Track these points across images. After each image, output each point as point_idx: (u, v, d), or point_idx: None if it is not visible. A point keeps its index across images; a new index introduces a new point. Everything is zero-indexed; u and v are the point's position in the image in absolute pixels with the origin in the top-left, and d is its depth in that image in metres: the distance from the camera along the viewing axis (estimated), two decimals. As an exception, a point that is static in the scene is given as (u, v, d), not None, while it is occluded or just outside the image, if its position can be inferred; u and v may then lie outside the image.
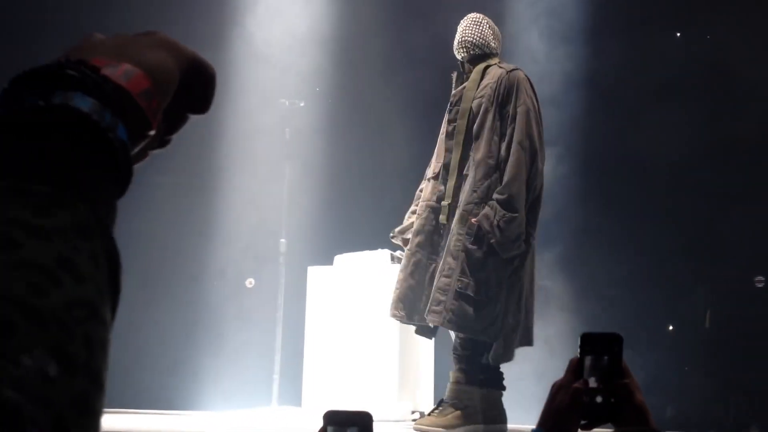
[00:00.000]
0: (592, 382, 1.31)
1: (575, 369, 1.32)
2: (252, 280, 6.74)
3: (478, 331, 4.26)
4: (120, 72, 0.60)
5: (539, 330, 4.61)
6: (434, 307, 4.23)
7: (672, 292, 8.44)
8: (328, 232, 6.46)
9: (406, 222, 4.64)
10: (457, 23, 4.64)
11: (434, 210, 4.43)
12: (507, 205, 4.19)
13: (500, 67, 4.44)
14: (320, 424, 1.20)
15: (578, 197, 7.15)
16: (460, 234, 4.25)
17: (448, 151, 4.46)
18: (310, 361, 5.53)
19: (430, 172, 4.53)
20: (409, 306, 4.41)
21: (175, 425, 4.95)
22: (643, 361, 6.64)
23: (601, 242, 7.15)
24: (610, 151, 7.48)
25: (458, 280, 4.18)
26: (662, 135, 7.61)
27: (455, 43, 4.53)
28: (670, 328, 9.19)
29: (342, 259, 5.66)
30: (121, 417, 5.07)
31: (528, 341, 4.39)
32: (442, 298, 4.21)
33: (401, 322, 4.59)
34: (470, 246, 4.21)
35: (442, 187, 4.42)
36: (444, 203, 4.37)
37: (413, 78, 6.47)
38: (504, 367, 4.44)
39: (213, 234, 6.72)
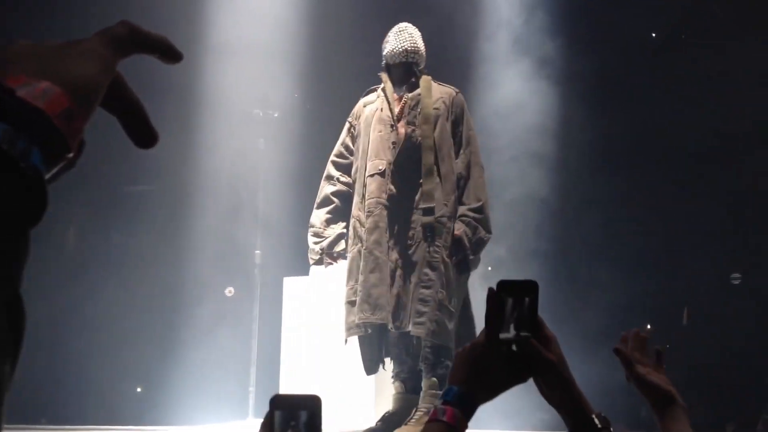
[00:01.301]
0: (510, 333, 1.30)
1: (493, 318, 1.30)
2: (231, 288, 6.68)
3: (451, 341, 4.31)
4: (38, 91, 0.59)
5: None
6: (417, 319, 4.24)
7: (649, 290, 8.46)
8: (304, 242, 6.38)
9: (330, 235, 4.55)
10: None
11: (387, 207, 4.37)
12: (485, 225, 4.36)
13: (443, 85, 4.55)
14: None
15: (556, 194, 7.12)
16: (437, 246, 4.27)
17: (402, 152, 4.39)
18: (287, 374, 5.46)
19: (368, 170, 4.41)
20: (373, 305, 4.33)
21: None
22: (618, 361, 6.59)
23: (576, 241, 7.12)
24: (586, 147, 7.46)
25: (439, 291, 4.23)
26: (639, 133, 7.61)
27: (410, 48, 4.51)
28: (648, 327, 9.22)
29: (318, 270, 5.58)
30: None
31: None
32: (425, 309, 4.23)
33: (368, 323, 4.41)
34: (447, 259, 4.28)
35: (392, 187, 4.36)
36: (426, 205, 4.33)
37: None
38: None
39: (187, 246, 6.64)
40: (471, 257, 4.32)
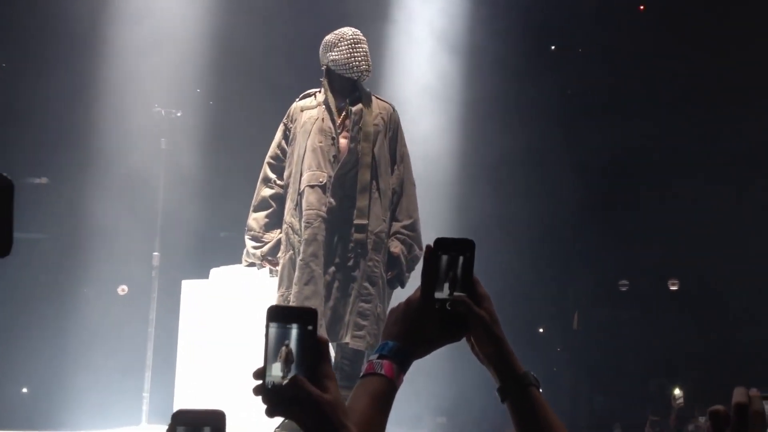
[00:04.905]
0: (444, 291, 1.32)
1: (429, 276, 1.32)
2: (125, 287, 6.53)
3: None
4: None
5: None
6: (357, 332, 4.30)
7: (542, 295, 8.70)
8: (204, 244, 6.30)
9: (270, 240, 4.52)
10: (344, 26, 4.54)
11: (325, 220, 4.36)
12: (418, 242, 4.45)
13: (380, 99, 4.56)
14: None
15: (449, 201, 7.23)
16: (377, 261, 4.34)
17: (344, 165, 4.39)
18: (183, 379, 5.37)
19: (307, 180, 4.39)
20: None
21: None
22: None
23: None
24: (476, 157, 7.60)
25: (378, 306, 4.33)
26: (527, 144, 7.80)
27: (365, 68, 4.44)
28: (540, 330, 9.47)
29: (218, 273, 5.51)
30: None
31: None
32: (364, 323, 4.30)
33: None
34: (385, 274, 4.38)
35: (332, 200, 4.36)
36: (359, 221, 4.35)
37: (297, 81, 6.34)
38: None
39: (83, 245, 6.45)
40: (405, 275, 4.42)
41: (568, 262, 8.76)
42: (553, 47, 8.53)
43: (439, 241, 1.32)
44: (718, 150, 7.88)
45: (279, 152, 4.54)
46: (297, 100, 4.59)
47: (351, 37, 4.45)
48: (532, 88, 7.64)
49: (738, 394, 1.08)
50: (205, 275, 5.54)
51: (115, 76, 6.38)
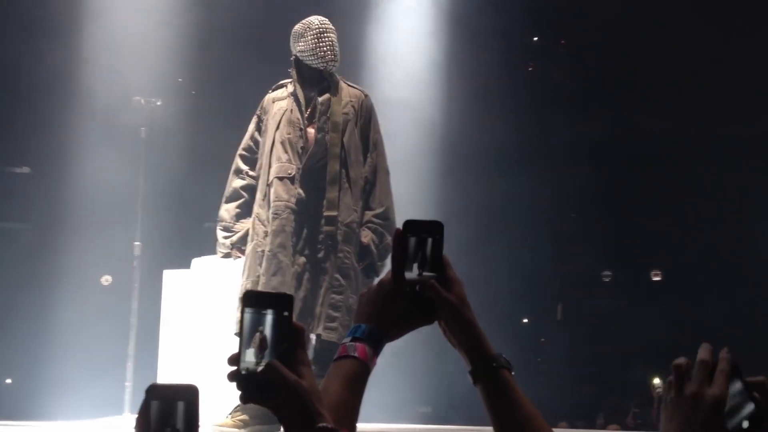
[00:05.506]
0: (414, 273, 1.32)
1: (398, 258, 1.32)
2: (108, 277, 6.53)
3: None
4: None
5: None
6: (329, 324, 4.31)
7: (526, 286, 8.73)
8: (186, 233, 6.30)
9: (240, 230, 4.53)
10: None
11: (294, 212, 4.37)
12: (391, 230, 4.39)
13: (351, 86, 4.54)
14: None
15: (435, 196, 7.24)
16: (348, 252, 4.33)
17: (312, 156, 4.39)
18: (165, 368, 5.37)
19: (275, 172, 4.40)
20: None
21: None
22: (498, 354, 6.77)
23: (455, 239, 7.23)
24: (461, 147, 7.61)
25: (350, 297, 4.32)
26: (520, 132, 7.82)
27: (331, 58, 4.42)
28: (525, 320, 9.52)
29: (200, 263, 5.50)
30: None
31: None
32: (336, 314, 4.31)
33: None
34: (357, 264, 4.37)
35: (301, 192, 4.37)
36: (329, 213, 4.35)
37: (281, 70, 6.33)
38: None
39: (64, 235, 6.44)
40: (378, 263, 4.40)
41: (552, 251, 8.79)
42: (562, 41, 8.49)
43: (408, 224, 1.34)
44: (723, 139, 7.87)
45: (252, 144, 4.55)
46: (270, 91, 4.60)
47: (317, 26, 4.44)
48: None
49: (703, 351, 1.09)
50: (187, 265, 5.53)
51: (95, 65, 6.37)
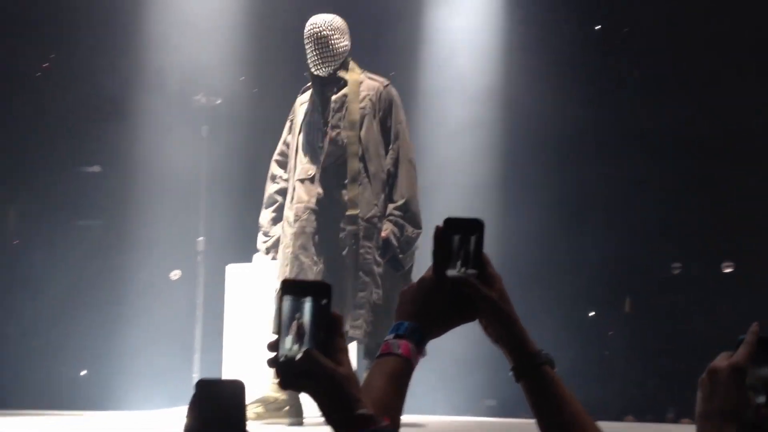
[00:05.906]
0: (456, 270, 1.32)
1: (440, 255, 1.32)
2: (178, 271, 6.68)
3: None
4: None
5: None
6: (354, 322, 4.36)
7: (592, 278, 8.61)
8: (248, 229, 6.40)
9: (276, 234, 4.62)
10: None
11: (315, 212, 4.43)
12: (413, 221, 4.39)
13: (371, 78, 4.52)
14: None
15: (491, 183, 7.19)
16: (369, 248, 4.35)
17: (329, 156, 4.42)
18: (229, 360, 5.49)
19: (297, 174, 4.45)
20: None
21: (92, 426, 4.90)
22: (565, 347, 6.74)
23: (513, 231, 7.15)
24: (523, 131, 7.50)
25: (374, 293, 4.35)
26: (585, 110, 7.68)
27: (327, 61, 4.43)
28: (591, 314, 9.38)
29: (261, 257, 5.60)
30: (39, 419, 4.97)
31: None
32: (360, 311, 4.36)
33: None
34: (379, 259, 4.38)
35: (321, 191, 4.41)
36: (351, 212, 4.38)
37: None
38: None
39: (131, 232, 6.61)
40: (401, 256, 4.37)
41: (621, 242, 8.64)
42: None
43: (449, 221, 1.34)
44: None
45: (284, 148, 4.64)
46: (299, 94, 4.65)
47: (306, 33, 4.47)
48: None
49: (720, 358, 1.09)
50: (249, 259, 5.64)
51: (155, 66, 6.51)
